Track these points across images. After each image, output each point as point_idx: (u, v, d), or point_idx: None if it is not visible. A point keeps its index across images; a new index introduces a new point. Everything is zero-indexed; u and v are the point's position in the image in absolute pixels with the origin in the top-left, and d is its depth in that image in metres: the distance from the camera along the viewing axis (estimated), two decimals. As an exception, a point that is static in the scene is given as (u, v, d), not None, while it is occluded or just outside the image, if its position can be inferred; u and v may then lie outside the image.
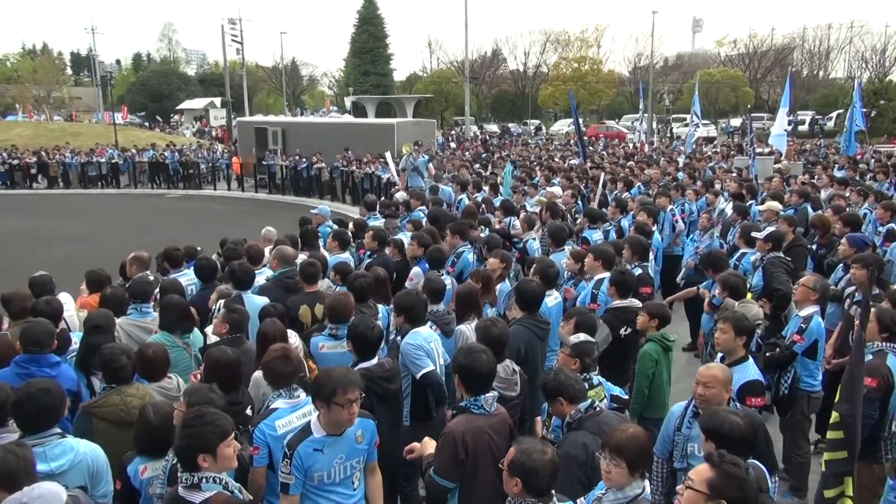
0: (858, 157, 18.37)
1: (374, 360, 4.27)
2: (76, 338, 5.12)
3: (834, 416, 3.50)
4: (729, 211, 9.71)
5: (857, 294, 5.93)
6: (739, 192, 10.87)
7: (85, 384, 4.69)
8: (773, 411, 5.59)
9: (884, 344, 4.40)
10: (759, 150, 17.14)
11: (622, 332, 5.42)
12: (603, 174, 12.75)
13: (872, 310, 4.66)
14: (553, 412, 3.83)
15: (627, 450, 2.96)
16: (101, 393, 4.09)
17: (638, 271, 6.53)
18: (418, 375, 4.57)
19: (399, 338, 4.84)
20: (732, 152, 22.99)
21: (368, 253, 7.50)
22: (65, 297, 5.86)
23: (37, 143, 34.80)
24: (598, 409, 3.67)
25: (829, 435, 3.51)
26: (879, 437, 4.33)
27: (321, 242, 8.08)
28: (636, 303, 5.61)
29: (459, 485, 3.57)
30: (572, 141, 33.43)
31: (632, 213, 9.83)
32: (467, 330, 5.04)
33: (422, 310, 4.89)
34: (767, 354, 5.40)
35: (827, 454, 3.49)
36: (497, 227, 9.06)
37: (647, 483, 3.07)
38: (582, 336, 4.42)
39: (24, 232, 18.55)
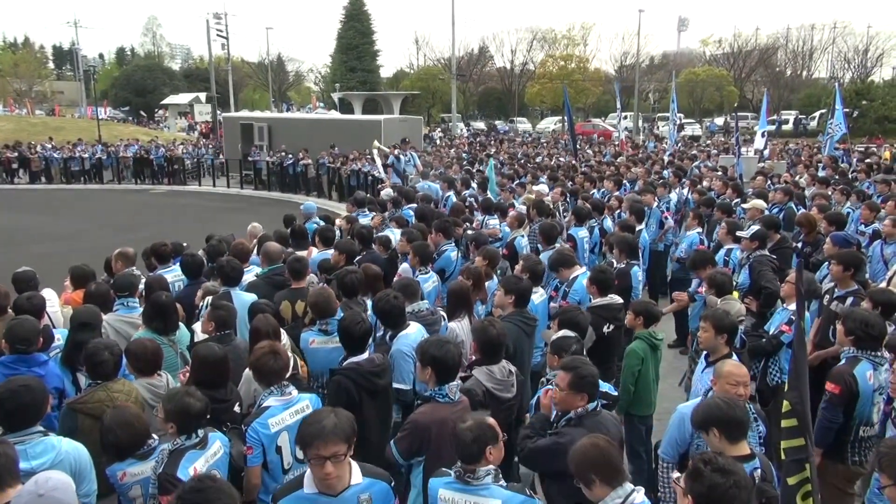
0: (843, 158, 18.64)
1: (365, 355, 4.25)
2: (60, 334, 5.04)
3: (785, 404, 3.57)
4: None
5: (836, 290, 6.04)
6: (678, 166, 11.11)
7: (70, 380, 4.62)
8: (755, 400, 5.66)
9: (858, 351, 4.40)
10: (743, 151, 17.32)
11: (605, 329, 5.45)
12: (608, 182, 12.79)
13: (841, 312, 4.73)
14: (563, 405, 3.73)
15: (570, 463, 2.97)
16: (86, 389, 4.03)
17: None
18: (393, 385, 4.51)
19: (388, 337, 4.82)
20: (715, 151, 23.18)
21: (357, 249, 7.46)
22: (49, 294, 5.77)
23: (18, 137, 34.27)
24: (599, 410, 3.69)
25: (784, 423, 3.56)
26: (845, 441, 4.39)
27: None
28: (617, 300, 5.65)
29: (425, 466, 3.63)
30: (561, 139, 33.58)
31: (618, 211, 9.92)
32: (457, 327, 5.04)
33: (397, 314, 4.75)
34: (751, 344, 5.47)
35: (784, 442, 3.55)
36: (472, 225, 9.08)
37: (632, 489, 2.92)
38: (560, 332, 4.43)
39: (4, 227, 18.27)
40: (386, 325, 4.83)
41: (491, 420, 3.16)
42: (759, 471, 3.29)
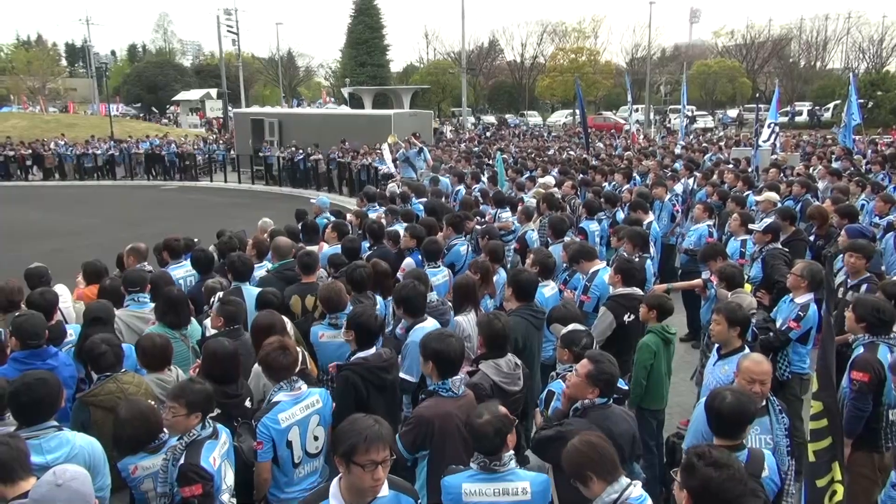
0: (855, 149, 18.38)
1: (373, 350, 4.23)
2: (72, 329, 5.08)
3: (815, 405, 3.49)
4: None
5: (849, 281, 6.02)
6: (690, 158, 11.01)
7: (83, 374, 4.65)
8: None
9: (874, 336, 4.37)
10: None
11: (626, 318, 5.41)
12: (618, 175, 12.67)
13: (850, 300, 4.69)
14: (573, 390, 3.71)
15: (564, 462, 2.96)
16: (96, 382, 4.04)
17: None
18: (400, 375, 4.50)
19: (399, 330, 4.81)
20: (723, 142, 23.00)
21: (368, 244, 7.48)
22: (61, 289, 5.81)
23: (32, 134, 34.59)
24: (609, 404, 3.66)
25: (813, 425, 3.49)
26: (878, 428, 4.33)
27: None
28: (639, 291, 5.60)
29: (429, 460, 3.64)
30: (572, 132, 33.40)
31: (628, 204, 9.84)
32: (464, 321, 5.02)
33: (420, 301, 4.81)
34: (761, 338, 5.42)
35: (812, 444, 3.49)
36: (485, 219, 9.05)
37: (628, 483, 2.88)
38: (571, 326, 4.41)
39: (19, 224, 18.45)
40: (407, 312, 4.82)
41: (503, 409, 3.23)
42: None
